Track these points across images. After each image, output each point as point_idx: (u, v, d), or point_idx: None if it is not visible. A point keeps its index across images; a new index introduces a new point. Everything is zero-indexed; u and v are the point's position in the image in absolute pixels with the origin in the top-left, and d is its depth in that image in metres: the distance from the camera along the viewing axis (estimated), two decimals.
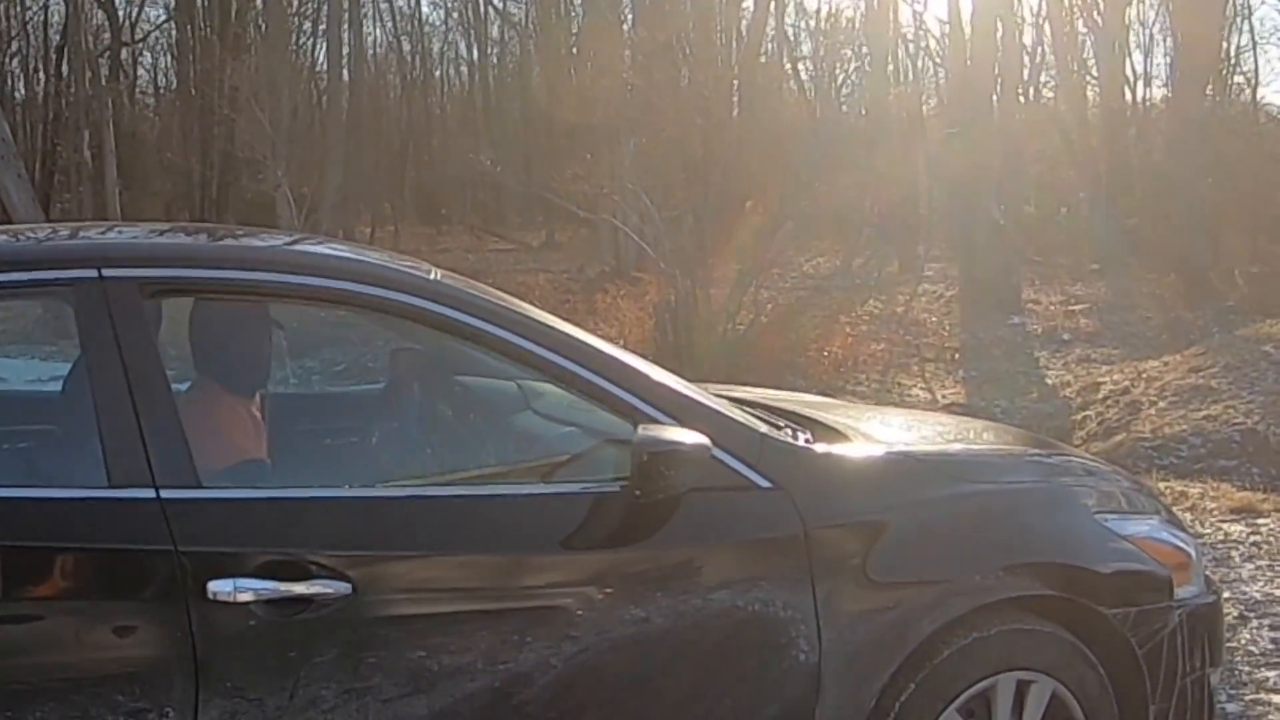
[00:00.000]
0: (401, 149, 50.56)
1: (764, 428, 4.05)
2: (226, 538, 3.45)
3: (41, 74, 46.46)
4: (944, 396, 16.43)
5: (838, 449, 4.16)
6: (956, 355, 19.54)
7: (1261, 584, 7.48)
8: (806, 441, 4.15)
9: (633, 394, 3.82)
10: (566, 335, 3.92)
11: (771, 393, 5.48)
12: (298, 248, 4.24)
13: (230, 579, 3.36)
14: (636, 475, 3.59)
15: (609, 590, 3.68)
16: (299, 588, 3.41)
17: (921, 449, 4.52)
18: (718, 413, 3.95)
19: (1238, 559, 7.96)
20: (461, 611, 3.62)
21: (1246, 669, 6.21)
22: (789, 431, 4.21)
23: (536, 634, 3.61)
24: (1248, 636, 6.59)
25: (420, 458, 4.33)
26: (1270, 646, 6.51)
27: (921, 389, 17.00)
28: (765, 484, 3.83)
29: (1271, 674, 6.17)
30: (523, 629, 3.61)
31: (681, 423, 3.75)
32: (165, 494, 3.40)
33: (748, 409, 4.29)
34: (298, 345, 4.67)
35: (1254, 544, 8.35)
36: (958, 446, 4.71)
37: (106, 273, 3.57)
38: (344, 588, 3.43)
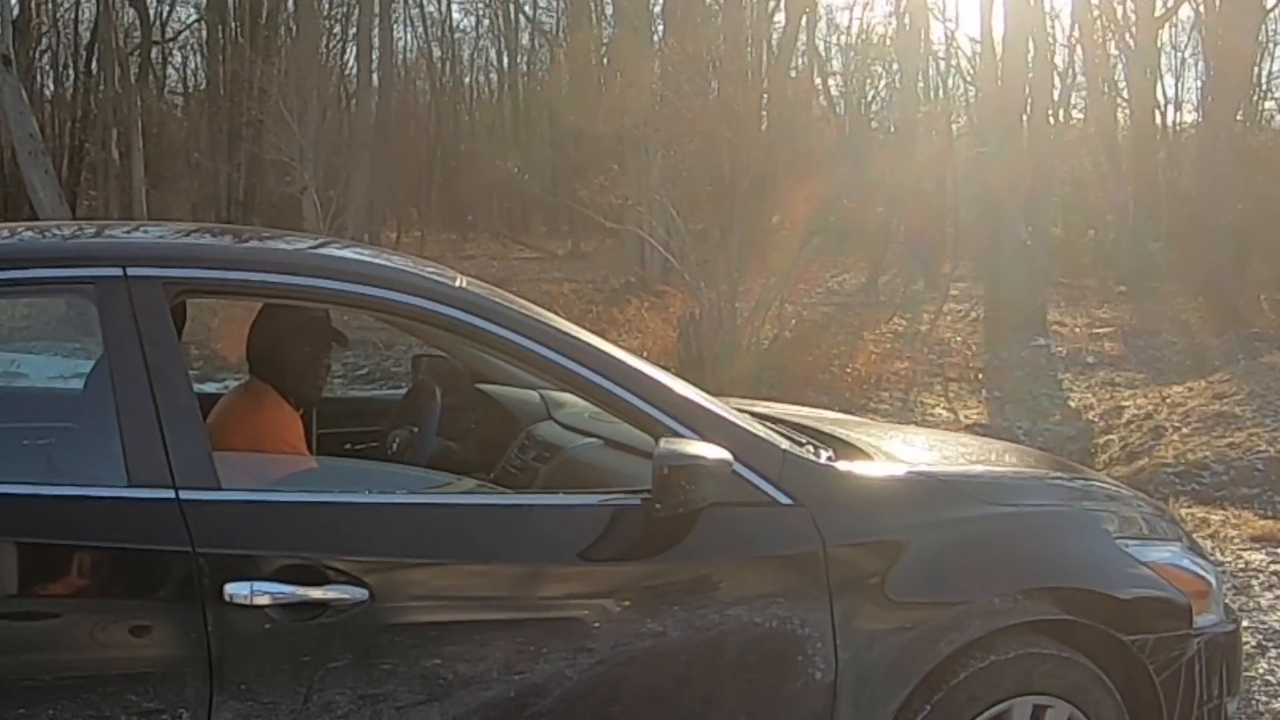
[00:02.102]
0: (429, 155, 50.69)
1: (786, 444, 4.03)
2: (244, 540, 3.45)
3: (71, 71, 46.62)
4: (966, 416, 16.37)
5: (859, 467, 4.14)
6: (980, 375, 19.48)
7: None
8: (828, 459, 4.13)
9: (655, 407, 3.81)
10: (590, 346, 3.91)
11: (793, 409, 5.46)
12: (323, 251, 4.24)
13: (247, 581, 3.37)
14: (657, 488, 3.58)
15: (626, 603, 3.68)
16: (316, 592, 3.41)
17: (943, 469, 4.48)
18: (740, 428, 3.93)
19: (1258, 588, 7.92)
20: (478, 620, 3.61)
21: (1264, 699, 6.18)
22: (811, 448, 4.19)
23: (552, 645, 3.61)
24: (1265, 666, 6.56)
25: (439, 464, 4.33)
26: None
27: (944, 408, 16.94)
28: (786, 500, 3.82)
29: None
30: (539, 639, 3.60)
31: (703, 437, 3.74)
32: (184, 495, 3.40)
33: (770, 425, 4.28)
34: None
35: (1275, 573, 8.31)
36: (980, 468, 4.66)
37: (131, 271, 3.58)
38: (361, 593, 3.43)
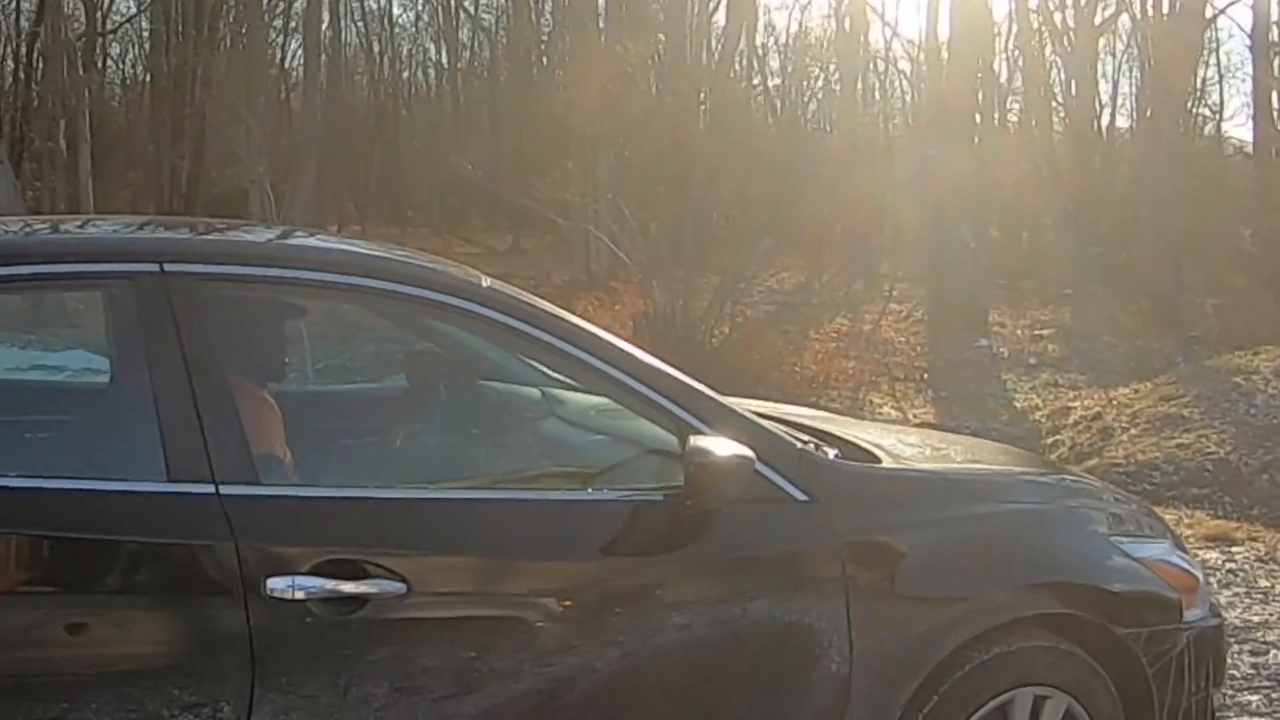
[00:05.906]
0: (368, 148, 50.35)
1: (800, 442, 4.14)
2: (285, 535, 3.49)
3: (11, 62, 46.00)
4: (915, 415, 16.53)
5: (867, 465, 4.25)
6: (925, 375, 19.66)
7: (1239, 610, 7.64)
8: (836, 457, 4.23)
9: (680, 406, 3.89)
10: (614, 345, 3.99)
11: (787, 408, 5.55)
12: (360, 249, 4.26)
13: (288, 576, 3.39)
14: (689, 485, 3.66)
15: (653, 597, 3.78)
16: (355, 586, 3.45)
17: (948, 468, 4.63)
18: (759, 426, 4.02)
19: (1214, 586, 8.06)
20: (509, 615, 3.69)
21: (1230, 692, 6.30)
22: (813, 446, 4.28)
23: (581, 638, 3.69)
24: (1229, 661, 6.70)
25: (473, 459, 4.38)
26: (1251, 671, 6.67)
27: (893, 407, 17.10)
28: (802, 497, 3.91)
29: (1254, 698, 6.33)
30: (569, 633, 3.68)
31: (727, 436, 3.81)
32: (225, 490, 3.43)
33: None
34: (342, 343, 4.70)
35: (1230, 571, 8.51)
36: (980, 466, 4.81)
37: (169, 267, 3.61)
38: (399, 587, 3.48)
